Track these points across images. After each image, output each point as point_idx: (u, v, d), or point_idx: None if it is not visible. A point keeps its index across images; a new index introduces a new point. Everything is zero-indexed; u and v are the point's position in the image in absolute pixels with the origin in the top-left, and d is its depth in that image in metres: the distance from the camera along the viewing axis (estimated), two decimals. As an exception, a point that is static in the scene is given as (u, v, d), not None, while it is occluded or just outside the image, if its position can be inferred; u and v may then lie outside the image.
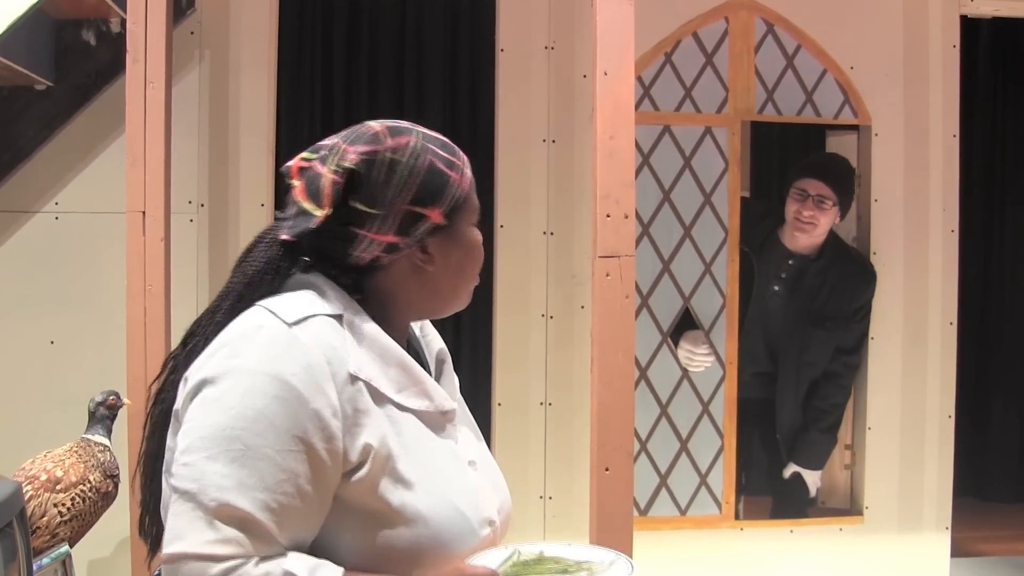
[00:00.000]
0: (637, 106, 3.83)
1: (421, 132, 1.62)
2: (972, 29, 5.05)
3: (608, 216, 2.72)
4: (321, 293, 1.57)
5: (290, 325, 1.49)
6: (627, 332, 2.76)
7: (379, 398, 1.53)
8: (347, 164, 1.56)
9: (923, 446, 4.28)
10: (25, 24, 3.68)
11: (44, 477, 2.90)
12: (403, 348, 1.61)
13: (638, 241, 4.04)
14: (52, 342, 3.90)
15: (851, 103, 4.24)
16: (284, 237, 1.59)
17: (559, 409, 4.08)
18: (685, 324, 4.17)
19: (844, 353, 4.26)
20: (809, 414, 4.28)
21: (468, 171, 1.64)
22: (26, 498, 2.78)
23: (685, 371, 4.15)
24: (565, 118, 4.07)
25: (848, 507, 4.36)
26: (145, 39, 3.21)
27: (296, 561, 1.44)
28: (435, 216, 1.58)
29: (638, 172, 4.00)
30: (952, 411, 4.30)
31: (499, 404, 4.04)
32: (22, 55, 3.69)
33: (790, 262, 4.24)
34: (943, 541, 4.31)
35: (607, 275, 2.73)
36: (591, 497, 2.79)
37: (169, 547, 1.42)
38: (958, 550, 4.44)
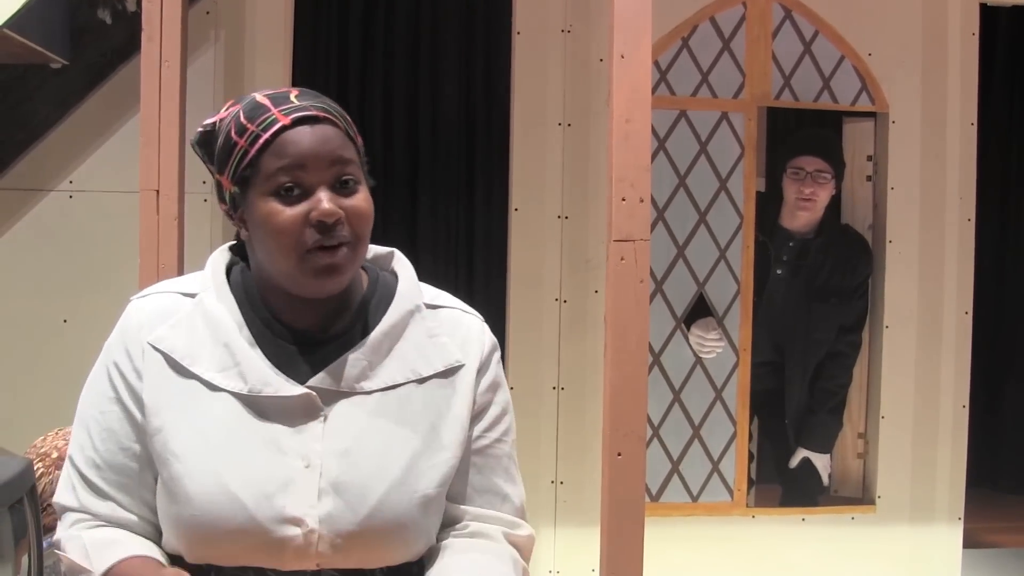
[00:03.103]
0: (653, 90, 3.79)
1: (253, 97, 1.53)
2: (991, 17, 5.00)
3: (623, 200, 2.71)
4: (208, 272, 1.57)
5: (133, 300, 1.58)
6: (641, 317, 2.75)
7: (181, 371, 1.51)
8: (192, 138, 1.59)
9: (937, 436, 4.27)
10: (41, 2, 3.67)
11: (55, 455, 2.90)
12: (299, 322, 1.53)
13: (653, 226, 4.01)
14: (65, 320, 3.91)
15: (868, 90, 4.22)
16: None
17: (572, 393, 4.07)
18: (699, 310, 4.16)
19: (847, 332, 4.27)
20: (816, 396, 4.29)
21: (268, 135, 1.46)
22: (37, 475, 2.78)
23: (699, 357, 4.14)
24: (581, 101, 4.05)
25: (860, 496, 4.35)
26: (160, 18, 3.19)
27: (95, 534, 1.51)
28: (226, 184, 1.52)
29: (654, 157, 3.98)
30: (966, 401, 4.28)
31: (511, 388, 4.02)
32: (37, 33, 3.69)
33: (791, 244, 4.26)
34: (956, 531, 4.29)
35: (622, 259, 2.72)
36: (603, 482, 2.79)
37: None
38: (971, 541, 4.42)
